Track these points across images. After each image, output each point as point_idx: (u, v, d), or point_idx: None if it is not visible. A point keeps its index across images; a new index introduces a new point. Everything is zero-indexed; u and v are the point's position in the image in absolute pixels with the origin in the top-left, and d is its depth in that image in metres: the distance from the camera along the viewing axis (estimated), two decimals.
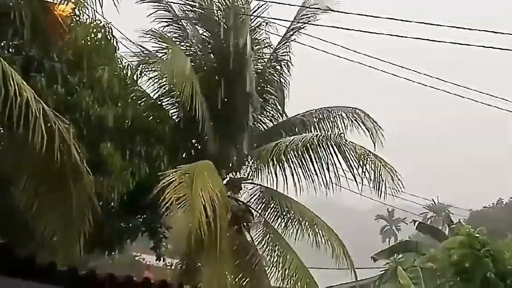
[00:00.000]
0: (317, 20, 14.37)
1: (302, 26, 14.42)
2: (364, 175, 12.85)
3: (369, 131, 13.88)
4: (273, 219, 14.22)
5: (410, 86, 16.91)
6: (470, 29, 13.58)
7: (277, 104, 14.90)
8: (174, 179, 11.10)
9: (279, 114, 15.01)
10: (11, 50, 11.50)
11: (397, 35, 14.05)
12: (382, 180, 12.72)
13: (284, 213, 14.01)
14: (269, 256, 13.98)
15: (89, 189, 8.46)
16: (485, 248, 16.00)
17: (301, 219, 13.79)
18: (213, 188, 11.40)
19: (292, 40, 14.56)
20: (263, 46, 14.78)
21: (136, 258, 26.93)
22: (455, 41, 14.22)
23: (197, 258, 12.33)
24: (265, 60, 14.89)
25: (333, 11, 14.10)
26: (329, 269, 13.78)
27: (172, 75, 12.75)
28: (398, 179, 12.78)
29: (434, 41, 14.10)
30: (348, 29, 13.64)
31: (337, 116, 14.51)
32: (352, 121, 14.24)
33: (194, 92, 12.35)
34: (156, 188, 10.94)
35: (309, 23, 14.34)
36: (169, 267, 19.39)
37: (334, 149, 13.21)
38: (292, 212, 13.90)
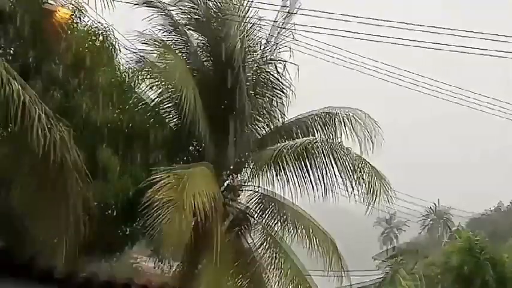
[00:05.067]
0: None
1: (283, 27, 14.35)
2: (359, 184, 12.89)
3: (369, 133, 13.78)
4: (272, 224, 14.20)
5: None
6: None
7: (275, 106, 14.83)
8: (165, 182, 11.02)
9: (278, 116, 14.92)
10: (10, 53, 11.54)
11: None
12: (374, 192, 12.75)
13: (280, 217, 14.00)
14: (268, 260, 13.95)
15: (87, 193, 8.47)
16: (485, 253, 15.99)
17: (297, 224, 13.75)
18: (206, 191, 11.29)
19: (281, 42, 14.48)
20: (259, 49, 14.72)
21: (137, 261, 26.82)
22: None
23: (195, 262, 12.31)
24: (262, 63, 14.81)
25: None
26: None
27: (169, 81, 12.78)
28: (390, 190, 12.84)
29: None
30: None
31: (338, 118, 14.39)
32: (353, 123, 14.09)
33: (190, 97, 12.35)
34: (147, 190, 10.87)
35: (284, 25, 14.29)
36: (169, 271, 19.30)
37: (331, 157, 13.22)
38: (289, 217, 13.87)
